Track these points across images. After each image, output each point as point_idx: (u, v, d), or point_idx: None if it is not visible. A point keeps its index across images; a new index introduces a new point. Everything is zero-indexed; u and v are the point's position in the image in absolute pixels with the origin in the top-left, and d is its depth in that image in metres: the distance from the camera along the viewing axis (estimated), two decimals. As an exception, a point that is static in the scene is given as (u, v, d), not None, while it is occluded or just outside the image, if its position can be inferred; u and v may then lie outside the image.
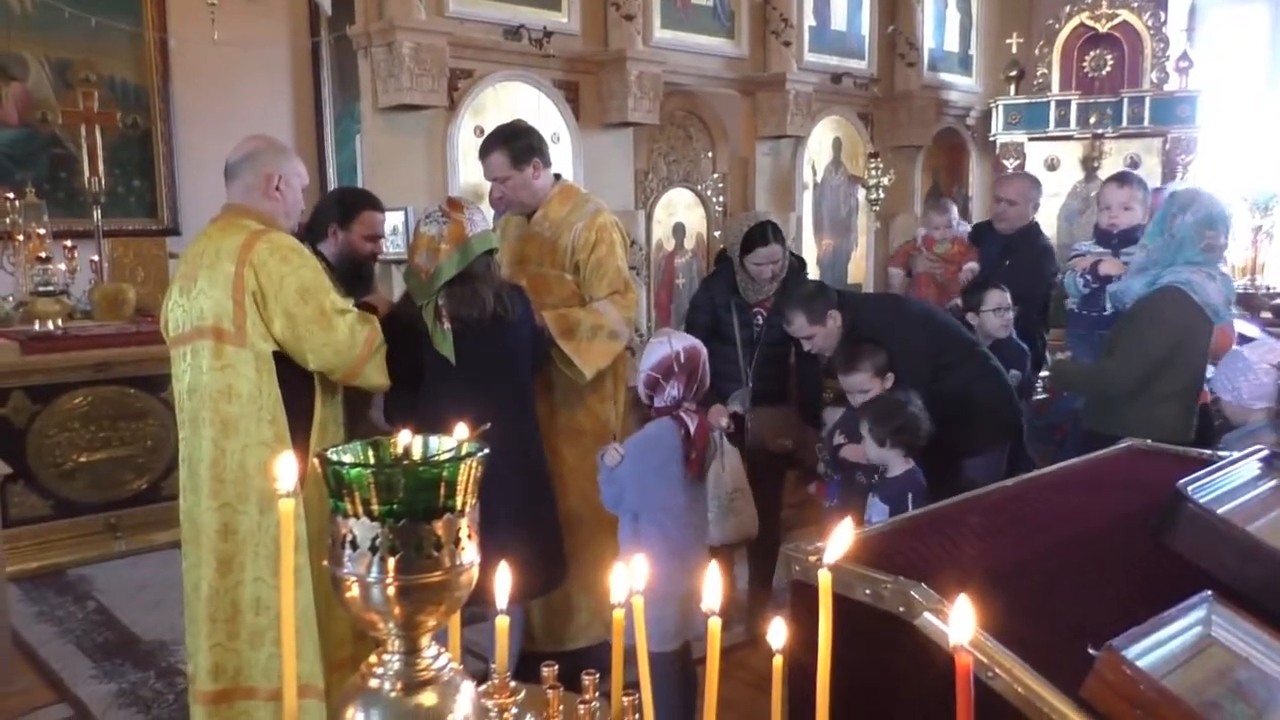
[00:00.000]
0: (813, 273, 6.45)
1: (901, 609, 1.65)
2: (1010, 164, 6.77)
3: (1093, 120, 6.64)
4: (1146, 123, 6.55)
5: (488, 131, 3.89)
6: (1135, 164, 6.64)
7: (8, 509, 4.57)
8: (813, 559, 1.79)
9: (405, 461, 1.00)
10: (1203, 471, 2.14)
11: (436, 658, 0.99)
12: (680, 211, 5.77)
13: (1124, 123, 6.58)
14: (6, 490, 4.51)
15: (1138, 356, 3.36)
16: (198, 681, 2.75)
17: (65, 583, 4.78)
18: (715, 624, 0.99)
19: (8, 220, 6.00)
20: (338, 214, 3.46)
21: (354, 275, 3.43)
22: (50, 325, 5.27)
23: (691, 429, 2.99)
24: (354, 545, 0.92)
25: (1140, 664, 1.48)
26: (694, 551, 3.02)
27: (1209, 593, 1.72)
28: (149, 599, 4.53)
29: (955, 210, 5.65)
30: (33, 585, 4.70)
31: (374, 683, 0.96)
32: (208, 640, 2.71)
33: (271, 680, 2.72)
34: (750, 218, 4.05)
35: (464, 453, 0.96)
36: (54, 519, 5.01)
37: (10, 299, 5.92)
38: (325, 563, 0.96)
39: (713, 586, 1.03)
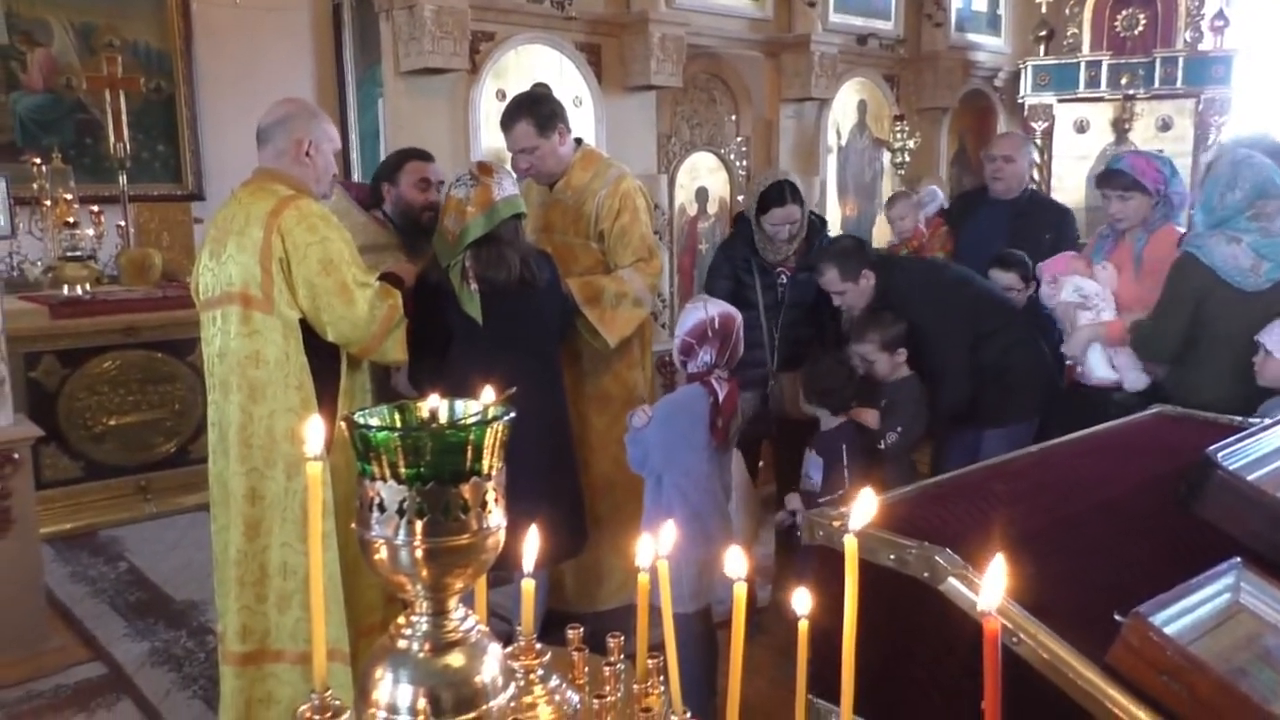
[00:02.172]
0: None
1: (926, 574, 1.65)
2: (1039, 126, 6.66)
3: (1124, 81, 6.52)
4: (1179, 83, 6.41)
5: (509, 96, 3.86)
6: (1167, 125, 6.52)
7: (40, 471, 4.64)
8: (837, 524, 1.80)
9: (432, 425, 1.00)
10: (1233, 438, 2.12)
11: (464, 619, 0.99)
12: (703, 176, 5.72)
13: (1156, 84, 6.45)
14: (39, 452, 4.57)
15: (1157, 322, 3.39)
16: (227, 642, 2.79)
17: (97, 543, 4.86)
18: (741, 589, 0.99)
19: (35, 186, 6.03)
20: (386, 173, 3.51)
21: (414, 229, 3.46)
22: (78, 290, 5.32)
23: (720, 396, 2.99)
24: (381, 508, 0.92)
25: (1167, 630, 1.48)
26: (714, 518, 3.04)
27: (1238, 559, 1.71)
28: (179, 560, 4.60)
29: (915, 197, 5.27)
30: (66, 546, 4.79)
31: (402, 644, 0.97)
32: (236, 602, 2.75)
33: (299, 644, 2.75)
34: (769, 176, 3.86)
35: (490, 416, 0.97)
36: (85, 481, 5.09)
37: (39, 264, 5.97)
38: (353, 526, 0.96)
39: (737, 553, 1.03)
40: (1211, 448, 2.01)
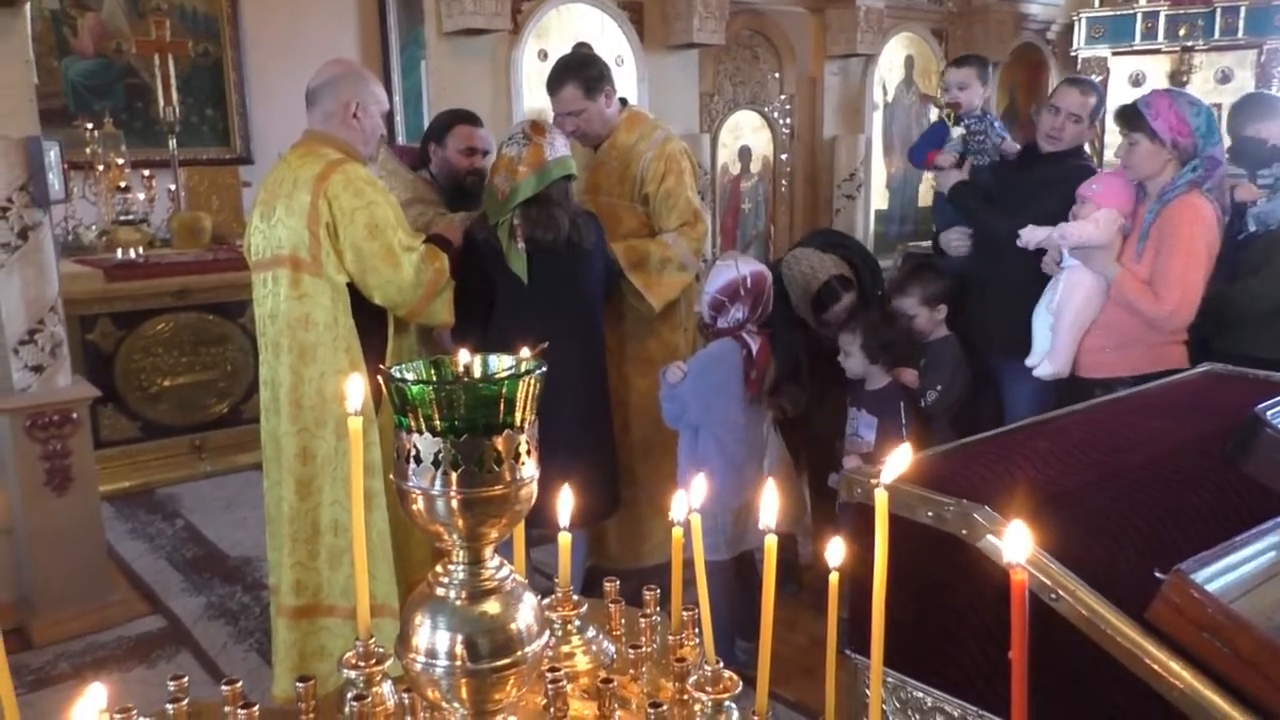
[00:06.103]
0: (881, 196, 6.33)
1: (963, 531, 1.65)
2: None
3: (1182, 32, 6.31)
4: (1240, 34, 6.19)
5: (552, 56, 3.84)
6: (1227, 78, 6.33)
7: (99, 431, 4.77)
8: (874, 481, 1.79)
9: (465, 378, 1.02)
10: (1283, 396, 2.08)
11: (499, 569, 1.02)
12: (746, 134, 5.68)
13: (1216, 34, 6.24)
14: (97, 413, 4.70)
15: None
16: (280, 595, 2.87)
17: (155, 501, 5.00)
18: (771, 540, 1.00)
19: (88, 151, 6.14)
20: (434, 133, 3.54)
21: (457, 191, 3.49)
22: (132, 253, 5.43)
23: (754, 350, 3.07)
24: (418, 460, 0.94)
25: (1210, 588, 1.46)
26: (750, 468, 3.13)
27: (1285, 518, 1.68)
28: (234, 518, 4.72)
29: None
30: (125, 503, 4.93)
31: (440, 591, 1.00)
32: (290, 558, 2.82)
33: (350, 599, 2.82)
34: (807, 275, 3.49)
35: (523, 370, 0.98)
36: (142, 440, 5.23)
37: (93, 228, 6.10)
38: (391, 477, 0.99)
39: (769, 504, 1.04)
40: (1260, 405, 1.98)
